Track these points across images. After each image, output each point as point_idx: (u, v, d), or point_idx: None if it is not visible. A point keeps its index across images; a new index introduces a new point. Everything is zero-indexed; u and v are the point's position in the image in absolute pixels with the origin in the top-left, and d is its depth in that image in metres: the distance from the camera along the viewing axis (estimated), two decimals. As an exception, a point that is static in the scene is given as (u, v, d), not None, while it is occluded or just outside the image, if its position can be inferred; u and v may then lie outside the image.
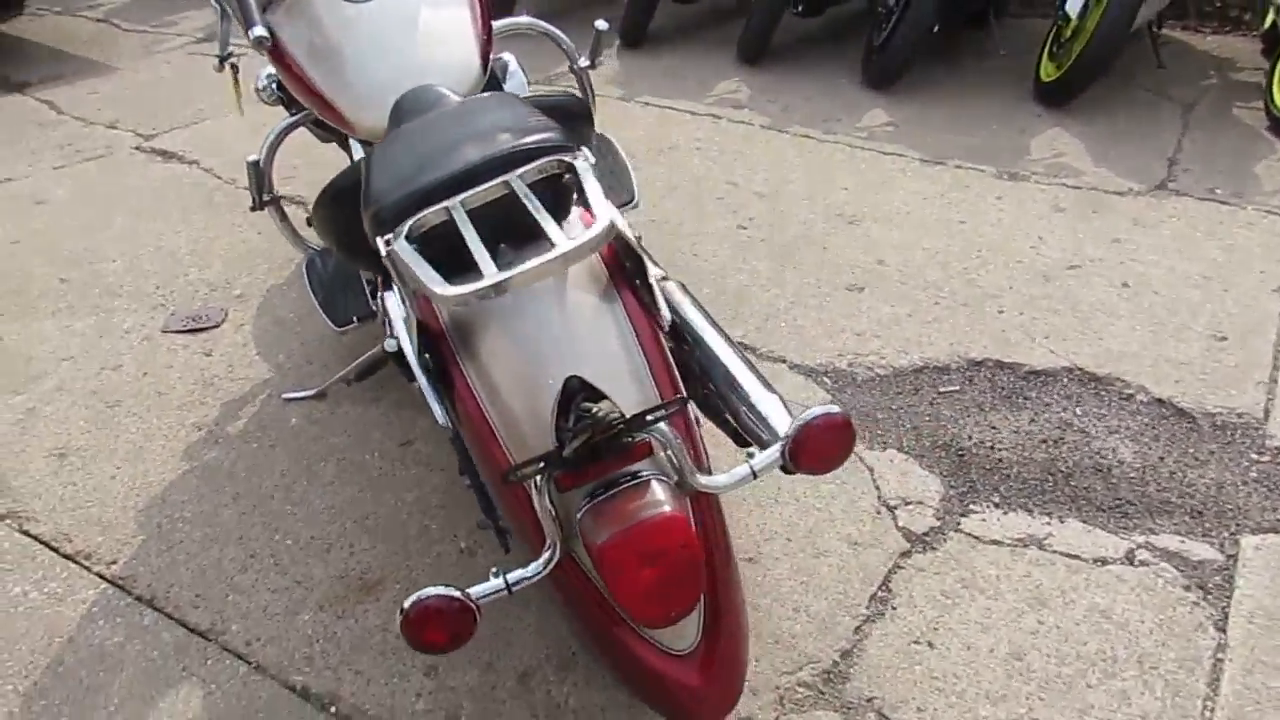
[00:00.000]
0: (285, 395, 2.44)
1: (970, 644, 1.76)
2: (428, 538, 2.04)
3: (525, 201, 1.28)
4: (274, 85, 2.34)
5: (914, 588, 1.87)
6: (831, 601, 1.85)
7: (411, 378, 1.49)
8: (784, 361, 2.47)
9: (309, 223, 2.05)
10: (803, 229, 3.05)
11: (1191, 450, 2.15)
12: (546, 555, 1.24)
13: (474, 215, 1.29)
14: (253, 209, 2.33)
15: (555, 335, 1.34)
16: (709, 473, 1.32)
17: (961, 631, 1.78)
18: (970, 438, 2.21)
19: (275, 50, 1.97)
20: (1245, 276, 2.69)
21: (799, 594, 1.87)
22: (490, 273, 1.19)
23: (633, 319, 1.39)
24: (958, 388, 2.37)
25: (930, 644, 1.77)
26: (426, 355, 1.42)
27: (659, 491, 1.24)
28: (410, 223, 1.27)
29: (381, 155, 1.44)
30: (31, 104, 4.33)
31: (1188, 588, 1.83)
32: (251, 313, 2.78)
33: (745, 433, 1.40)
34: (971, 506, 2.04)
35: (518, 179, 1.30)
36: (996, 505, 2.04)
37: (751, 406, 1.37)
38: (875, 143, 3.59)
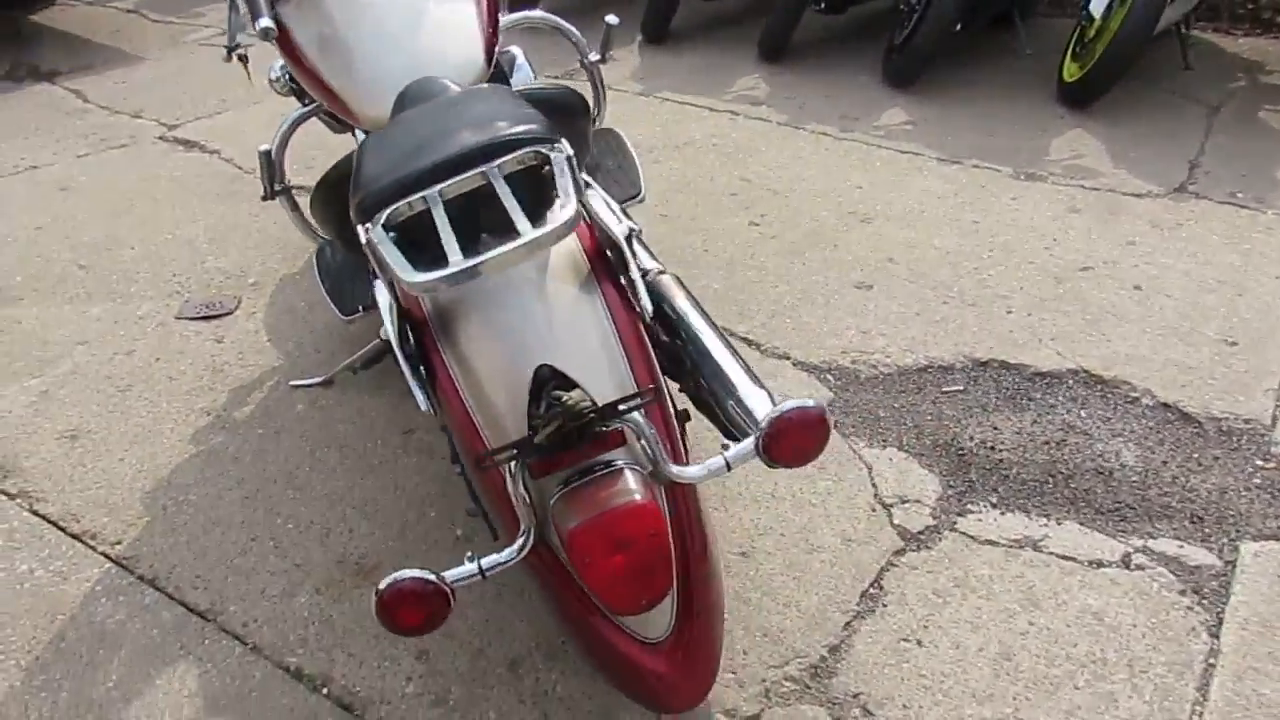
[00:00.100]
0: (293, 383, 2.47)
1: (959, 643, 1.75)
2: (425, 524, 2.06)
3: (498, 191, 1.29)
4: (287, 76, 2.37)
5: (906, 586, 1.87)
6: (822, 597, 1.85)
7: None
8: (787, 358, 2.47)
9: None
10: (814, 226, 3.05)
11: (1195, 455, 2.13)
12: (520, 541, 1.25)
13: (459, 205, 1.31)
14: (264, 198, 2.35)
15: (532, 325, 1.35)
16: (685, 463, 1.32)
17: (951, 630, 1.78)
18: (971, 438, 2.20)
19: (284, 42, 1.99)
20: (1261, 282, 2.66)
21: (790, 589, 1.87)
22: (456, 260, 1.21)
23: (613, 310, 1.40)
24: (961, 388, 2.35)
25: (919, 642, 1.76)
26: (411, 343, 1.44)
27: (631, 480, 1.25)
28: (389, 211, 1.29)
29: (370, 146, 1.46)
30: (60, 93, 4.40)
31: (1183, 592, 1.82)
32: (264, 301, 2.82)
33: (730, 425, 1.40)
34: (969, 506, 2.04)
35: (495, 169, 1.31)
36: (994, 505, 2.03)
37: (739, 400, 1.38)
38: (892, 141, 3.58)
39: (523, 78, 2.26)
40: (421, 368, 1.43)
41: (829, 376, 2.41)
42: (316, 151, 3.30)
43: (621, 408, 1.20)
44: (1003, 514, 2.01)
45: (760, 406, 1.34)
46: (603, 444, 1.25)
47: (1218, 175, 3.23)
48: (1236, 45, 4.34)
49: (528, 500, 1.24)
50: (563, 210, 1.25)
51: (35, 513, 2.14)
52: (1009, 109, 3.79)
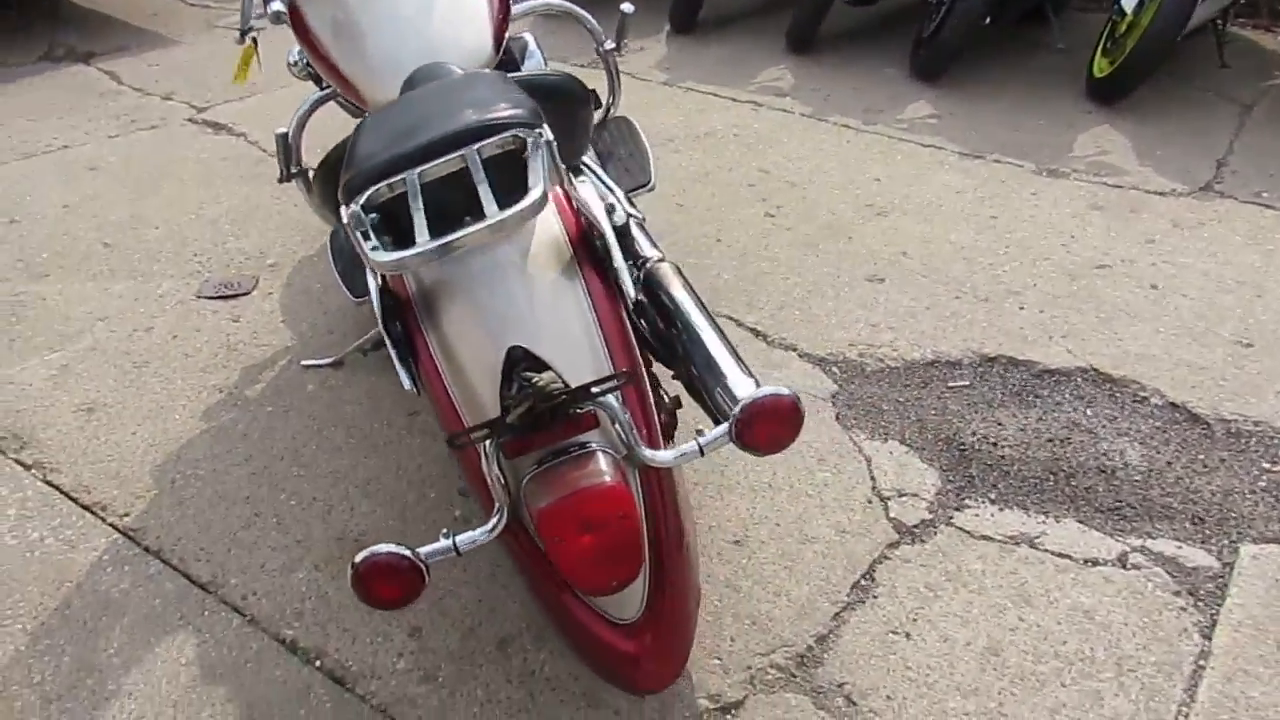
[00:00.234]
0: (304, 362, 2.51)
1: (947, 636, 1.75)
2: (425, 504, 2.08)
3: (473, 174, 1.30)
4: (304, 60, 2.40)
5: (897, 578, 1.87)
6: (813, 587, 1.86)
7: None
8: (794, 350, 2.47)
9: None
10: (830, 218, 3.04)
11: (1201, 456, 2.10)
12: (494, 520, 1.27)
13: (445, 188, 1.32)
14: (280, 180, 2.39)
15: (508, 307, 1.37)
16: (660, 447, 1.33)
17: (940, 624, 1.77)
18: (974, 433, 2.19)
19: (298, 25, 2.02)
20: (1281, 283, 2.62)
21: (781, 578, 1.88)
22: (422, 240, 1.23)
23: (593, 295, 1.41)
24: (967, 383, 2.34)
25: (907, 634, 1.76)
26: (396, 323, 1.46)
27: (603, 462, 1.26)
28: (369, 193, 1.31)
29: (363, 128, 1.49)
30: (95, 74, 4.48)
31: (1177, 593, 1.80)
32: (281, 282, 2.86)
33: (716, 412, 1.41)
34: (967, 501, 2.03)
35: (474, 153, 1.32)
36: (993, 501, 2.02)
37: (726, 388, 1.38)
38: (915, 135, 3.55)
39: (534, 64, 2.27)
40: (407, 348, 1.46)
41: (835, 369, 2.40)
42: (340, 136, 3.34)
43: (594, 390, 1.21)
44: (1001, 510, 2.00)
45: (742, 393, 1.35)
46: (576, 426, 1.27)
47: (1245, 174, 3.18)
48: (1276, 43, 4.26)
49: (502, 480, 1.26)
50: (530, 193, 1.26)
51: (49, 483, 2.19)
52: (1036, 104, 3.75)
